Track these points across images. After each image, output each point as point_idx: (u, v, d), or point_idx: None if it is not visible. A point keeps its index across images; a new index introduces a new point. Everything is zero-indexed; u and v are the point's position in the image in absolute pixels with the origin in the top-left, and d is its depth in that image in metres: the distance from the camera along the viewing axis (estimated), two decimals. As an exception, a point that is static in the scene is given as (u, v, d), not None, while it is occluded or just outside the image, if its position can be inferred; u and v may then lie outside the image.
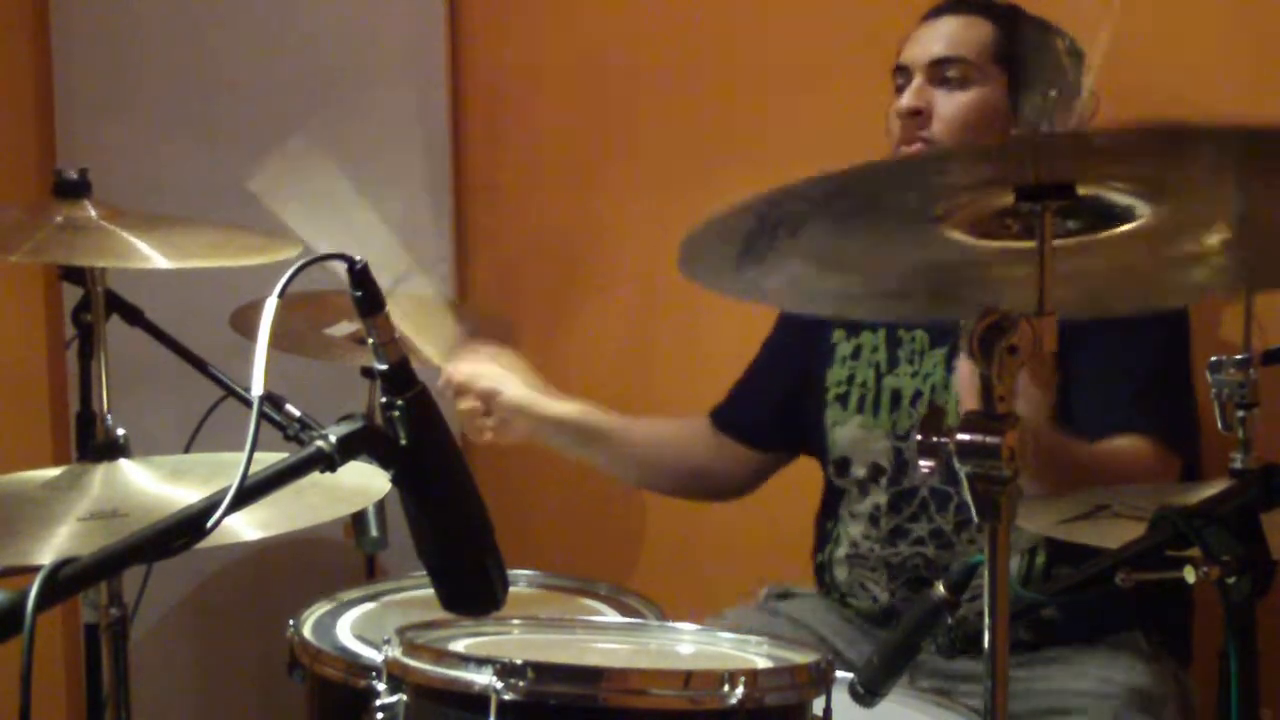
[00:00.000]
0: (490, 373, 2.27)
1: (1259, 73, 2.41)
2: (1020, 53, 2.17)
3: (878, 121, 2.30)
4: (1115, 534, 1.52)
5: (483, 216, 3.09)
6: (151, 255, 1.99)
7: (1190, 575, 1.33)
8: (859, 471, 2.27)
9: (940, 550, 2.17)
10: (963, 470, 1.32)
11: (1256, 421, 1.57)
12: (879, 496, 2.25)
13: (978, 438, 1.31)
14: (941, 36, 2.21)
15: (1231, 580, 1.33)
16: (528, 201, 3.07)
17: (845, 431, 2.29)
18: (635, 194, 2.95)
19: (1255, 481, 1.43)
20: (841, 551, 2.29)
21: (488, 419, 2.27)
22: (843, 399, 2.30)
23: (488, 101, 3.07)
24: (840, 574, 2.29)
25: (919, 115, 2.18)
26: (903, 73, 2.23)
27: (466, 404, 2.26)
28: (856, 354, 2.31)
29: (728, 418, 2.45)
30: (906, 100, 2.19)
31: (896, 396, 2.25)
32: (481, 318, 2.88)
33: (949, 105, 2.17)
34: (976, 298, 1.47)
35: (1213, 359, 1.54)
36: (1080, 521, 1.69)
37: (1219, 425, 1.57)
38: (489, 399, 2.26)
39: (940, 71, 2.19)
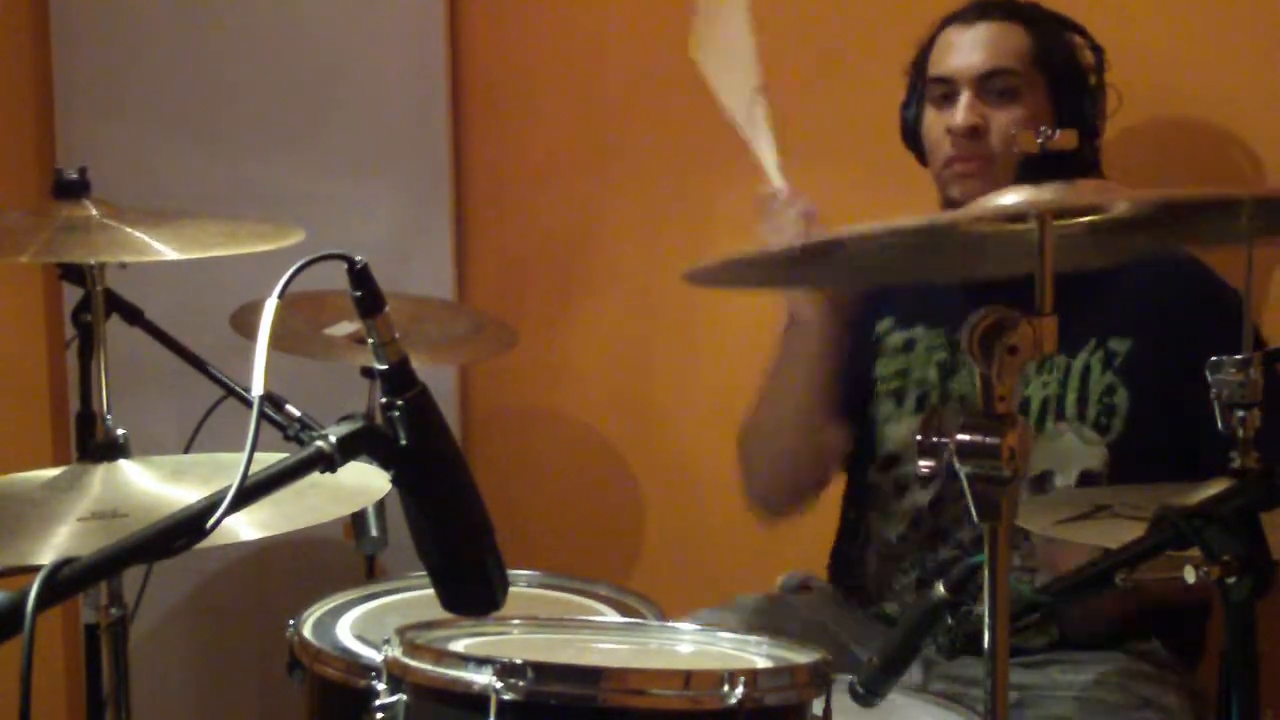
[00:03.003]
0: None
1: (1273, 70, 2.41)
2: (1058, 57, 2.16)
3: (879, 120, 2.30)
4: (1115, 534, 1.52)
5: (483, 217, 3.09)
6: (162, 249, 1.98)
7: (1190, 575, 1.33)
8: (907, 470, 2.23)
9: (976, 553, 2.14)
10: (963, 471, 1.32)
11: (1257, 421, 1.57)
12: (919, 497, 2.22)
13: (978, 438, 1.31)
14: (982, 46, 2.17)
15: (1231, 580, 1.33)
16: (528, 201, 3.07)
17: (899, 429, 2.24)
18: (635, 195, 2.95)
19: (1255, 481, 1.43)
20: (874, 548, 2.27)
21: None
22: (898, 395, 2.26)
23: (488, 101, 3.07)
24: (871, 569, 2.27)
25: (975, 132, 2.15)
26: (944, 84, 2.19)
27: (796, 215, 2.22)
28: (909, 346, 2.26)
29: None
30: (962, 118, 2.15)
31: (963, 403, 2.20)
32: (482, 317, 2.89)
33: (1004, 120, 2.14)
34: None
35: (1212, 359, 1.54)
36: (1080, 521, 1.69)
37: (1219, 425, 1.57)
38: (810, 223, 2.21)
39: (990, 85, 2.15)
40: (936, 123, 2.20)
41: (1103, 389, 2.12)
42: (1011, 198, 1.35)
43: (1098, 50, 2.21)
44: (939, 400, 2.23)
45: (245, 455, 1.23)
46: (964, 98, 2.17)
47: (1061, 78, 2.16)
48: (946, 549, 2.19)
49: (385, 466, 1.38)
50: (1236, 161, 2.40)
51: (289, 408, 2.04)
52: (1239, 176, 2.40)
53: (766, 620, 2.21)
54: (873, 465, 2.28)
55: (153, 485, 1.80)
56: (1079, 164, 2.08)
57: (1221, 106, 2.41)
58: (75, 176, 2.05)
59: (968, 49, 2.19)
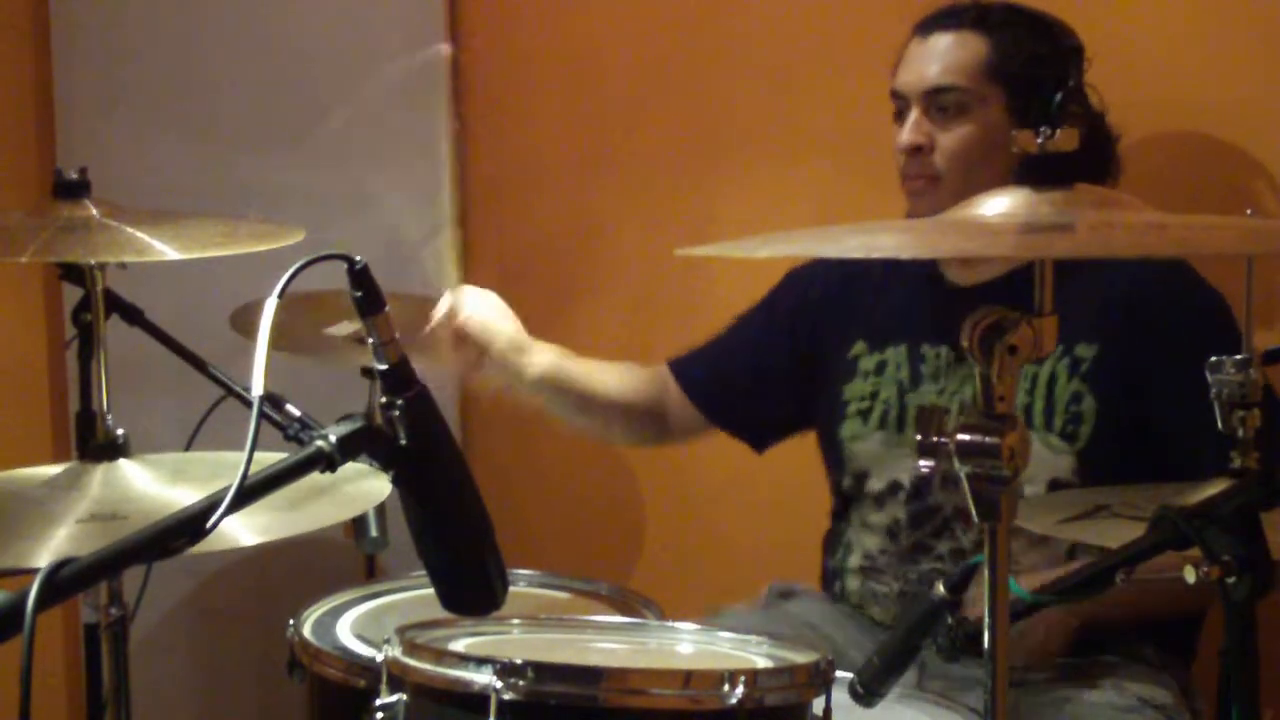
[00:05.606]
0: (482, 324, 2.29)
1: (1267, 73, 2.40)
2: (1018, 65, 2.11)
3: (878, 118, 2.29)
4: (1115, 534, 1.53)
5: (483, 216, 3.09)
6: (162, 249, 1.98)
7: (1190, 575, 1.33)
8: (876, 485, 2.23)
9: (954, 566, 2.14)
10: (962, 470, 1.32)
11: (1257, 421, 1.57)
12: (897, 510, 2.20)
13: (978, 438, 1.31)
14: (934, 60, 2.14)
15: (1231, 580, 1.33)
16: (528, 201, 3.07)
17: (866, 446, 2.23)
18: (635, 195, 2.95)
19: (1255, 481, 1.43)
20: (854, 561, 2.25)
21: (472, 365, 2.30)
22: (864, 414, 2.24)
23: (488, 101, 3.07)
24: (852, 584, 2.26)
25: (920, 151, 2.14)
26: (899, 100, 2.18)
27: (459, 351, 2.29)
28: (880, 369, 2.24)
29: (687, 373, 2.45)
30: (906, 137, 2.15)
31: (919, 411, 2.18)
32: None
33: (949, 138, 2.13)
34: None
35: (1212, 359, 1.54)
36: (1080, 521, 1.69)
37: (1219, 425, 1.57)
38: (481, 350, 2.29)
39: (936, 101, 2.13)
40: (895, 138, 2.19)
41: (1069, 397, 2.09)
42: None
43: (1076, 50, 2.16)
44: (897, 415, 2.21)
45: (245, 455, 1.23)
46: (912, 115, 2.15)
47: (1022, 86, 2.12)
48: (928, 561, 2.18)
49: (385, 466, 1.38)
50: (1243, 174, 2.39)
51: (289, 408, 2.03)
52: (1247, 189, 2.39)
53: (757, 625, 2.20)
54: (846, 482, 2.27)
55: (153, 485, 1.80)
56: (1088, 167, 2.06)
57: (1229, 116, 2.40)
58: (75, 176, 2.05)
59: (917, 63, 2.17)
